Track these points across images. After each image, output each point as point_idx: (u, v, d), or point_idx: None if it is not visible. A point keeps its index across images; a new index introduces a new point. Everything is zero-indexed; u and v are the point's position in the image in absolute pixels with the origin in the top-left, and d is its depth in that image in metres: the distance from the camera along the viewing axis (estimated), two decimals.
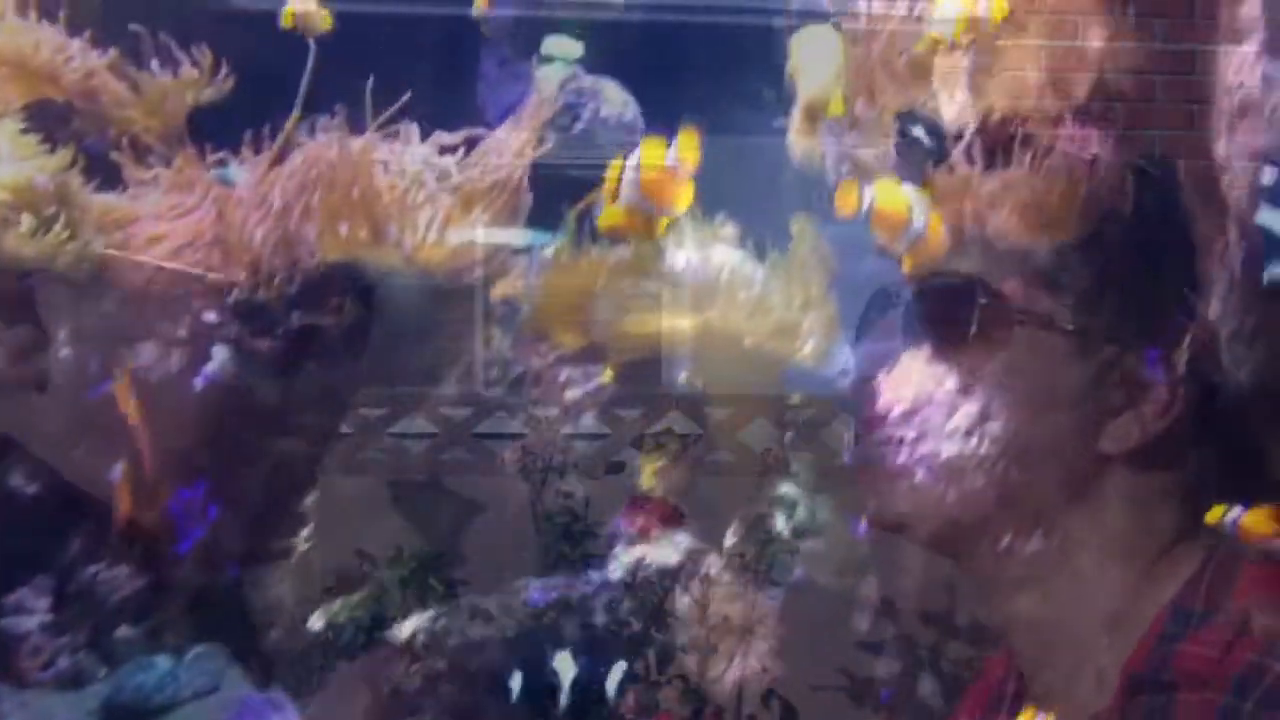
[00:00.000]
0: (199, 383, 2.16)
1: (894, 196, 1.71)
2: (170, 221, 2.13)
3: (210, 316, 2.10)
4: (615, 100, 4.06)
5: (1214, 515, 1.53)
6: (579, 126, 3.95)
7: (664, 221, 1.62)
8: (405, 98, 2.20)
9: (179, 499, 2.08)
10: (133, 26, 2.40)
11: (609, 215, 1.67)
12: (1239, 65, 1.62)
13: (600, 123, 3.98)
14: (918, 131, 1.98)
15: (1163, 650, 1.53)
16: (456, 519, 2.49)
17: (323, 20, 2.36)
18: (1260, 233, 1.56)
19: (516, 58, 3.93)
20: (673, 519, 2.25)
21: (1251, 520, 1.50)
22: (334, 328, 2.15)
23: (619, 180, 1.67)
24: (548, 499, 2.34)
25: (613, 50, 3.67)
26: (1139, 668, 1.53)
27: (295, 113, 2.20)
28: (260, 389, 2.16)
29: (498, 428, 2.82)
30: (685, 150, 1.66)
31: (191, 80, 2.43)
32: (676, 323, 2.30)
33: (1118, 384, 1.79)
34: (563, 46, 3.95)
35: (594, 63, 3.60)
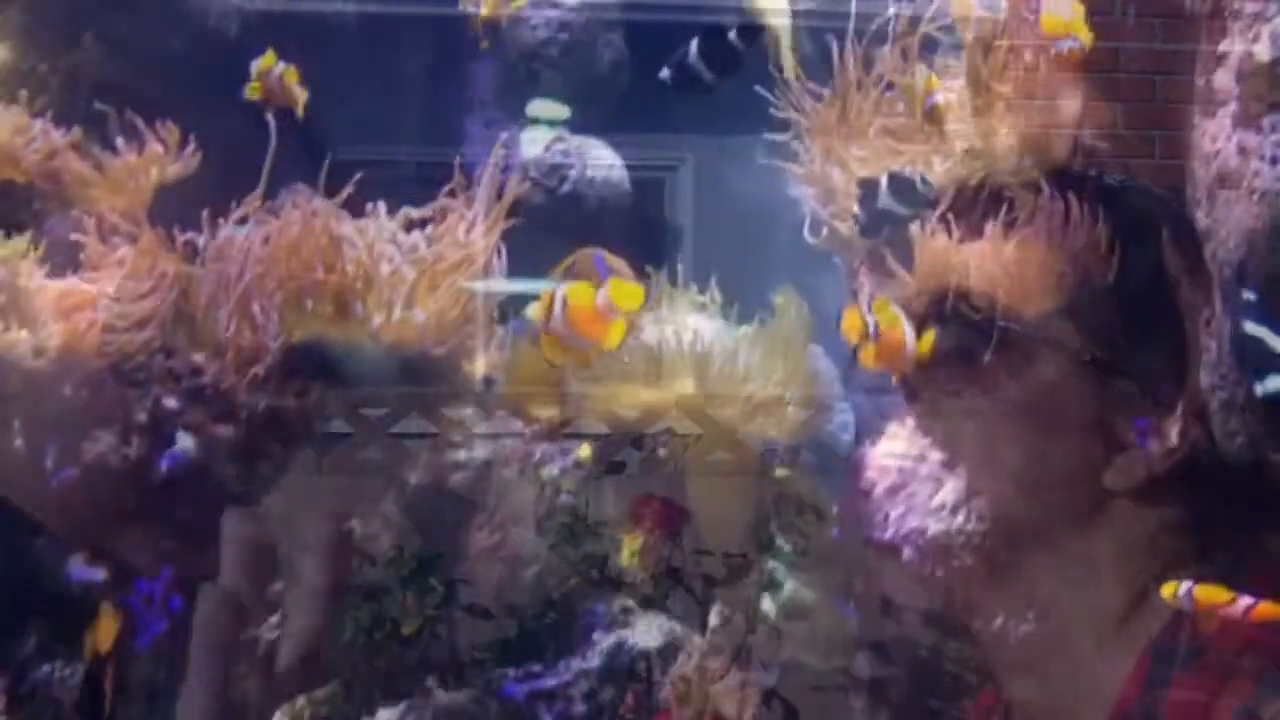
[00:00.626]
0: (162, 468, 2.10)
1: (894, 323, 1.74)
2: (131, 303, 2.07)
3: (171, 403, 2.03)
4: (603, 160, 4.05)
5: (1168, 590, 1.55)
6: (566, 187, 3.93)
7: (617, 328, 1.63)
8: (356, 177, 2.16)
9: (137, 591, 2.00)
10: (98, 105, 2.38)
11: (542, 341, 1.72)
12: (1215, 133, 1.57)
13: (587, 183, 3.97)
14: (885, 201, 1.94)
15: (1151, 696, 1.55)
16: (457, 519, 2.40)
17: (297, 92, 2.32)
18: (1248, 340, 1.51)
19: (503, 119, 3.93)
20: (676, 518, 2.18)
21: (1203, 592, 1.53)
22: (298, 411, 2.09)
23: (549, 308, 1.70)
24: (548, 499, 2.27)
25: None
26: (1126, 715, 1.53)
27: (260, 187, 2.15)
28: (224, 474, 2.09)
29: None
30: (620, 298, 1.69)
31: (157, 157, 2.39)
32: (653, 397, 2.24)
33: (1126, 422, 1.85)
34: (549, 109, 3.94)
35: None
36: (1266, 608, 1.49)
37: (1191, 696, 1.47)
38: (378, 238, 2.16)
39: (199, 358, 2.07)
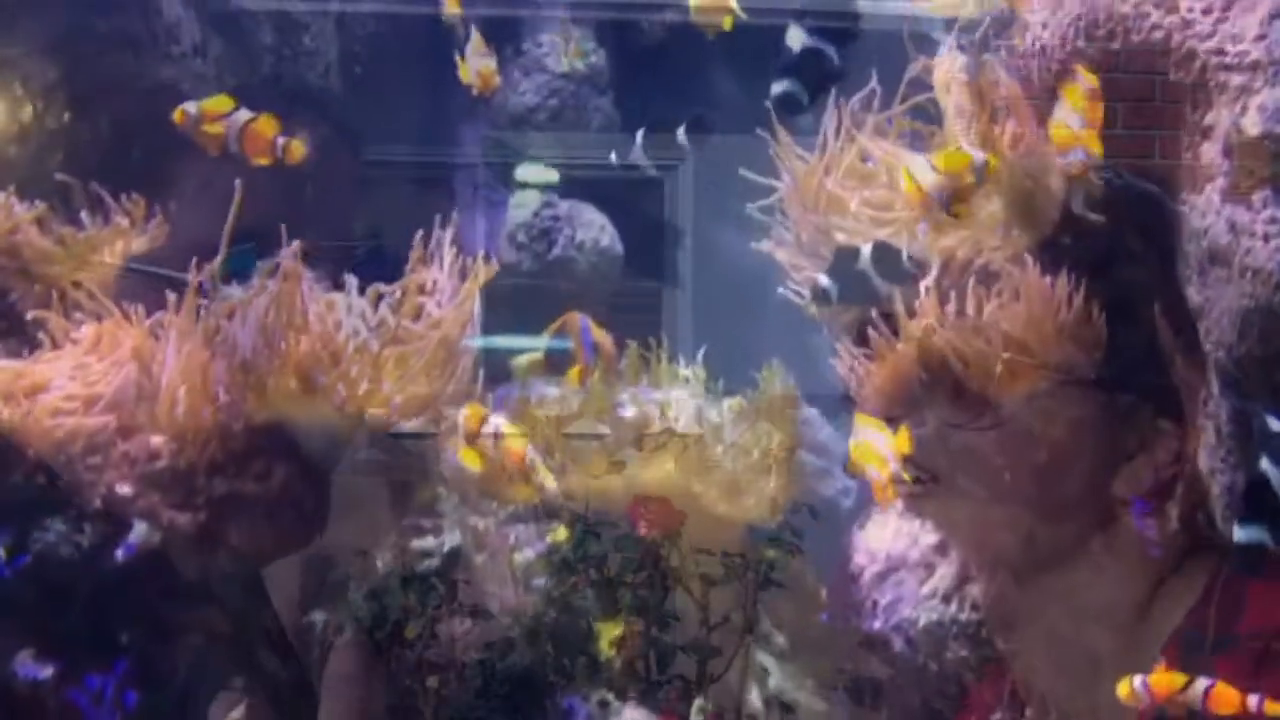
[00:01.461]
0: (118, 557, 2.01)
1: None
2: (85, 385, 2.00)
3: (124, 489, 1.95)
4: (592, 225, 4.01)
5: (1124, 690, 1.53)
6: (555, 252, 3.88)
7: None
8: (313, 245, 2.10)
9: (86, 687, 1.90)
10: (59, 176, 2.33)
11: (465, 453, 1.91)
12: (1204, 208, 1.50)
13: (576, 247, 3.92)
14: (866, 270, 1.87)
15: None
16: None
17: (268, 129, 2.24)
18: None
19: (492, 183, 3.89)
20: (674, 519, 2.10)
21: (1157, 680, 1.51)
22: (260, 495, 2.00)
23: (478, 426, 1.88)
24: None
25: None
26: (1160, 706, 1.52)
27: (220, 256, 2.08)
28: (181, 564, 2.00)
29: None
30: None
31: (122, 231, 2.34)
32: (630, 478, 2.15)
33: (1131, 431, 1.83)
34: (538, 173, 3.91)
35: None
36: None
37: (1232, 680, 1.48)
38: (345, 312, 2.09)
39: (157, 440, 1.99)
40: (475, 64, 2.64)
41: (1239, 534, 1.40)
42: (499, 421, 1.85)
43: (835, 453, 2.56)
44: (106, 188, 2.32)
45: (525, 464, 1.83)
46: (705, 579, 2.06)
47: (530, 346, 2.97)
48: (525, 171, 3.79)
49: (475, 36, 2.64)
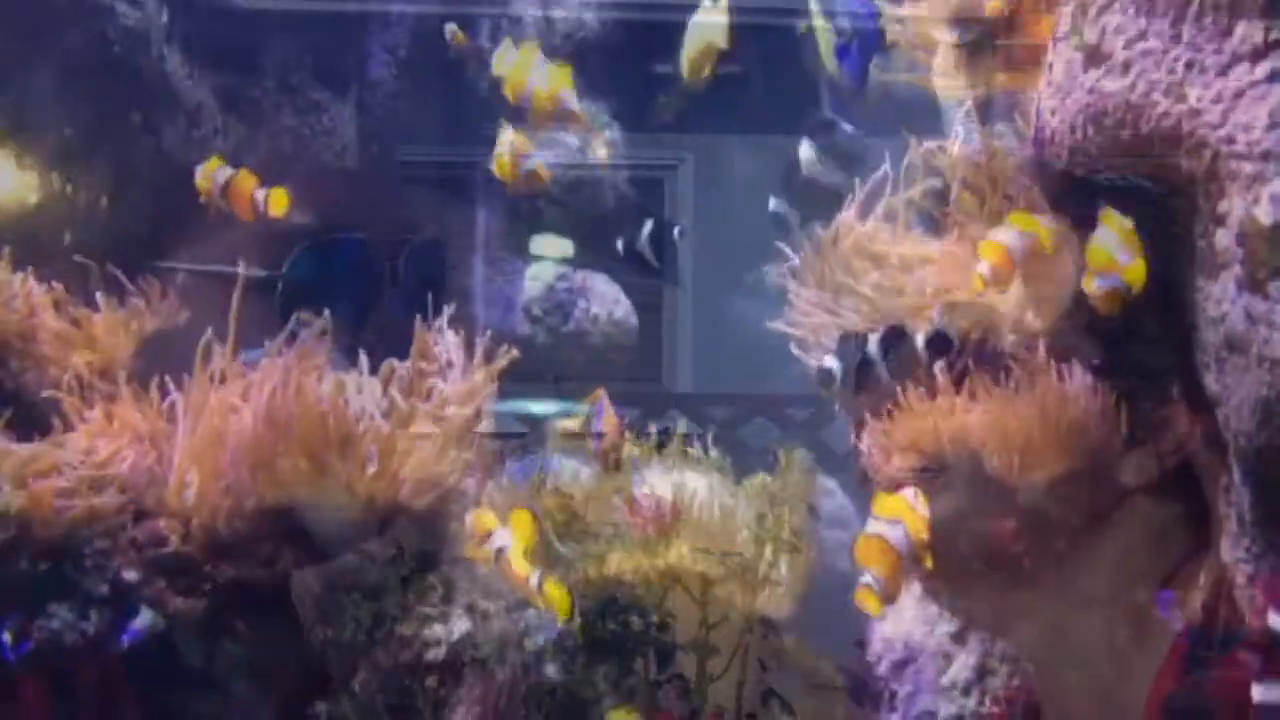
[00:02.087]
0: (123, 643, 1.98)
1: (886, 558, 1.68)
2: (94, 468, 1.99)
3: (131, 575, 1.93)
4: (606, 297, 4.02)
5: None
6: (570, 325, 3.89)
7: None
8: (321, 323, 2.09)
9: None
10: (78, 258, 2.35)
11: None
12: (1219, 296, 1.48)
13: (591, 320, 3.93)
14: (874, 355, 1.86)
15: (1194, 678, 1.57)
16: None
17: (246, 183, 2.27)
18: None
19: (508, 256, 3.92)
20: (670, 518, 2.09)
21: None
22: (267, 580, 1.98)
23: (483, 536, 1.84)
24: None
25: None
26: (1170, 695, 1.54)
27: (230, 343, 2.09)
28: (186, 650, 1.97)
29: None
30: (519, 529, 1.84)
31: (137, 312, 2.35)
32: (639, 563, 2.12)
33: (1137, 420, 1.80)
34: (553, 246, 3.93)
35: None
36: None
37: (1238, 676, 1.48)
38: (357, 392, 2.08)
39: (164, 524, 1.98)
40: (524, 164, 2.48)
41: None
42: (505, 537, 1.81)
43: (854, 524, 2.52)
44: (125, 270, 2.36)
45: (527, 586, 1.78)
46: (705, 579, 2.01)
47: (559, 411, 2.97)
48: (540, 244, 3.81)
49: (513, 134, 2.53)
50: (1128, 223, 1.62)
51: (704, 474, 2.32)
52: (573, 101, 2.32)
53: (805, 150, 1.85)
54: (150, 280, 2.37)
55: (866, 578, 1.62)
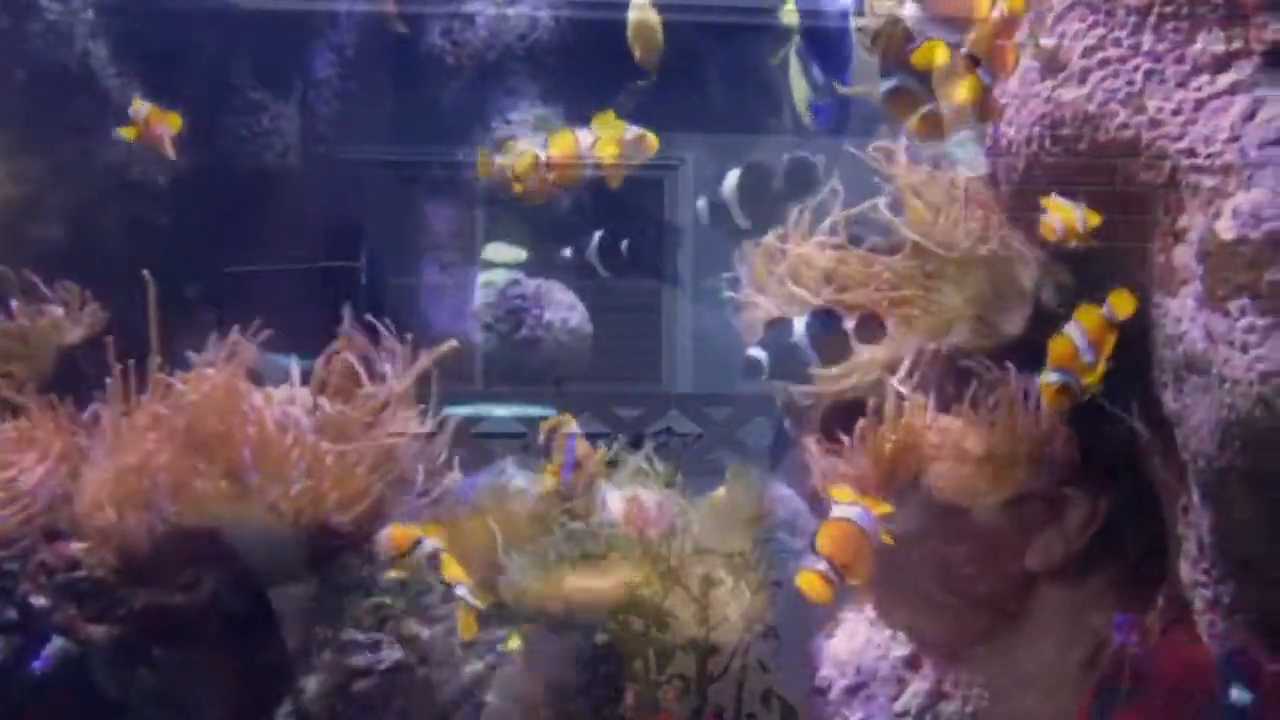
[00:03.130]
0: (34, 671, 1.87)
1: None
2: (6, 485, 1.88)
3: (40, 601, 1.82)
4: (561, 304, 3.94)
5: None
6: (523, 332, 3.80)
7: None
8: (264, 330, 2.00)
9: None
10: None
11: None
12: (1178, 314, 1.43)
13: (544, 327, 3.84)
14: (799, 341, 1.79)
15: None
16: None
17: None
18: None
19: (459, 262, 3.82)
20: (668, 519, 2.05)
21: None
22: (186, 605, 1.88)
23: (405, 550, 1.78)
24: None
25: None
26: None
27: (154, 352, 1.98)
28: (101, 679, 1.87)
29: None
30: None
31: (55, 320, 2.24)
32: (590, 584, 2.03)
33: (1037, 502, 1.76)
34: (505, 253, 3.84)
35: None
36: None
37: None
38: (288, 402, 1.98)
39: (77, 547, 1.87)
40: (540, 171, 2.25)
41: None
42: (434, 544, 1.73)
43: (810, 531, 2.46)
44: (46, 276, 2.25)
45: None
46: (705, 578, 1.95)
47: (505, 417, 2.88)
48: (493, 250, 3.73)
49: (524, 142, 2.35)
50: (1105, 318, 1.56)
51: (655, 490, 2.25)
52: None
53: (726, 187, 1.81)
54: (71, 288, 2.26)
55: (820, 564, 1.54)
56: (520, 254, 3.73)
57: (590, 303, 3.68)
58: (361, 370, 2.10)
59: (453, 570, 1.73)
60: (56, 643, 1.84)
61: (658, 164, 3.63)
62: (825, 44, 2.48)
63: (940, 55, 1.49)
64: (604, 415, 3.11)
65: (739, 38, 3.22)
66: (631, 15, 2.21)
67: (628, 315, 3.80)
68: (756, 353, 1.83)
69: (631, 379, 3.35)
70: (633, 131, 2.17)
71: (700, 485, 2.34)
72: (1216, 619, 1.63)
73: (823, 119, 2.25)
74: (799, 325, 1.81)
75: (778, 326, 1.84)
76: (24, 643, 1.85)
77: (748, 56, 3.19)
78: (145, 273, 1.98)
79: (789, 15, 2.66)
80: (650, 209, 3.55)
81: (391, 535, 1.75)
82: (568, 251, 2.06)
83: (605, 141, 2.17)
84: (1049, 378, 1.57)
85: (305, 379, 2.05)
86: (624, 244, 2.43)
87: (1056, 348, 1.57)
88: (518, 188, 2.17)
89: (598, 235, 2.72)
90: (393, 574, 1.82)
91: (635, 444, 2.25)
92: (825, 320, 1.80)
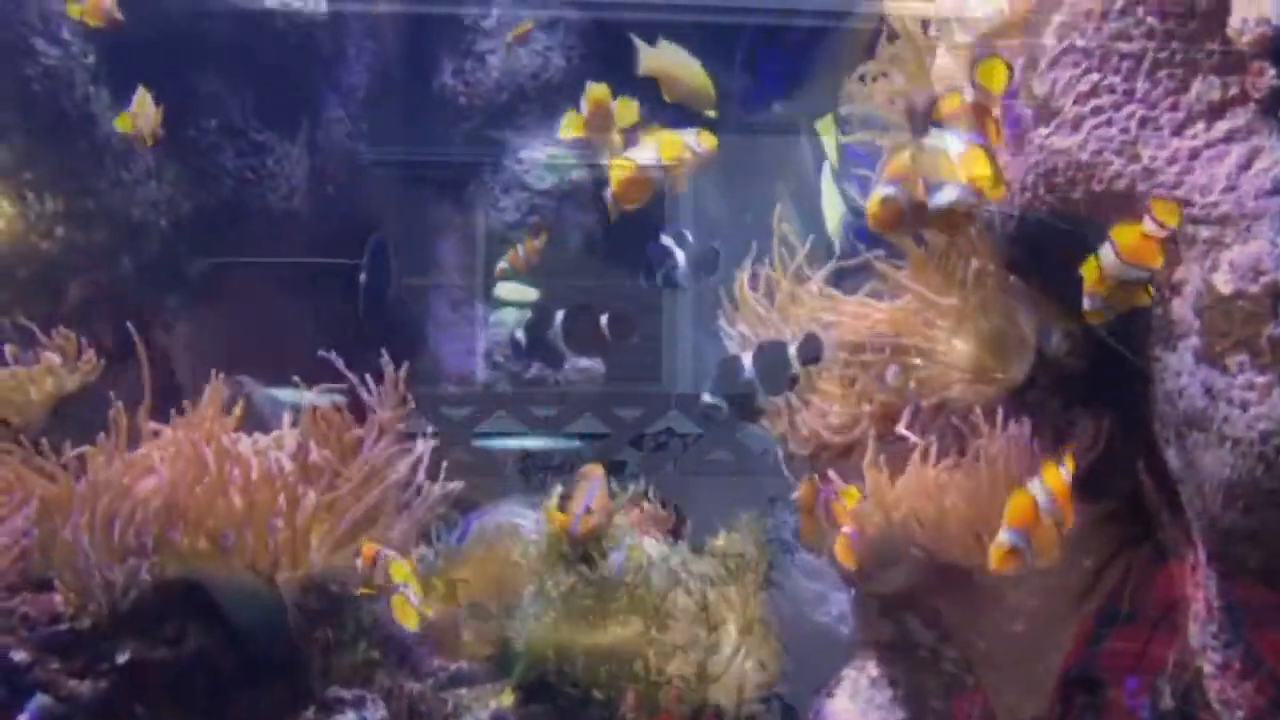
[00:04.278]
0: None
1: None
2: None
3: (21, 656, 1.79)
4: None
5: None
6: (533, 370, 3.78)
7: None
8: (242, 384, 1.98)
9: None
10: None
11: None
12: (1177, 368, 1.38)
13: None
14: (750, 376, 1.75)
15: (1092, 651, 1.68)
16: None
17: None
18: None
19: (471, 301, 3.81)
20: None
21: None
22: (171, 660, 1.84)
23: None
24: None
25: None
26: (1071, 670, 1.67)
27: (146, 398, 1.96)
28: None
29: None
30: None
31: (50, 368, 2.23)
32: (594, 637, 1.99)
33: (1045, 425, 1.70)
34: (517, 291, 3.83)
35: None
36: None
37: (1127, 646, 1.67)
38: (271, 456, 1.95)
39: (58, 599, 1.84)
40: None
41: None
42: (388, 553, 1.75)
43: (828, 574, 2.41)
44: (44, 323, 2.24)
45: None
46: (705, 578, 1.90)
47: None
48: (503, 289, 3.72)
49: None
50: (1067, 478, 1.46)
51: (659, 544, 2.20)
52: None
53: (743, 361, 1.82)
54: (69, 335, 2.25)
55: (1013, 536, 1.44)
56: (531, 293, 3.72)
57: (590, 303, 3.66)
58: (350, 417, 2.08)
59: (399, 572, 1.72)
60: (39, 699, 1.81)
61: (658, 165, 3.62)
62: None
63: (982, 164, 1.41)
64: (604, 415, 3.08)
65: (738, 38, 3.19)
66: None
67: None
68: (710, 398, 1.79)
69: (632, 379, 3.32)
70: (689, 133, 2.14)
71: (701, 485, 2.32)
72: (1226, 686, 1.56)
73: (862, 239, 2.20)
74: (746, 361, 1.78)
75: (728, 366, 1.81)
76: (6, 699, 1.82)
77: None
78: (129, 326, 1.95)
79: (825, 129, 2.62)
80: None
81: (361, 553, 1.74)
82: (520, 335, 2.09)
83: (669, 144, 2.13)
84: (1000, 537, 1.42)
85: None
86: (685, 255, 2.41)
87: (1015, 504, 1.44)
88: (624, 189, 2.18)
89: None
90: (364, 590, 1.78)
91: (635, 444, 2.22)
92: (768, 350, 1.77)
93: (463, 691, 2.08)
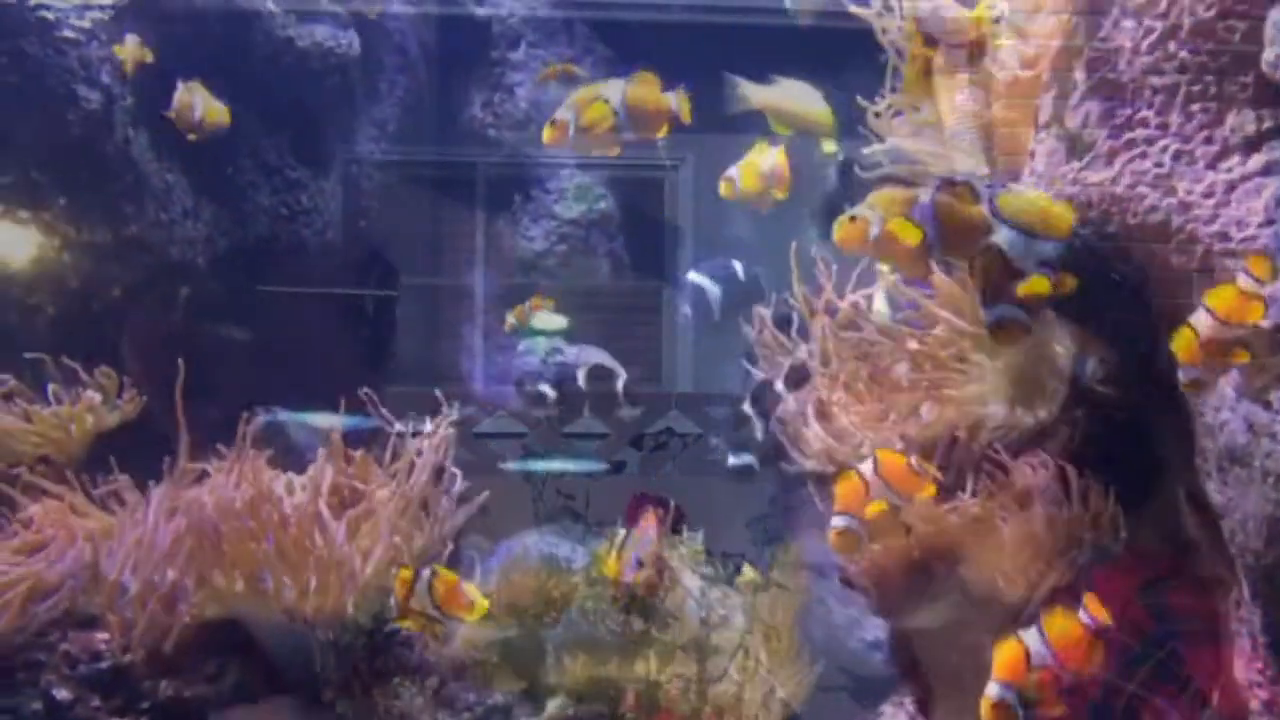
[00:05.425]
0: None
1: None
2: (32, 572, 1.88)
3: (63, 695, 1.81)
4: (602, 371, 3.93)
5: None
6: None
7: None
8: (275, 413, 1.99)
9: None
10: (28, 355, 2.27)
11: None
12: (1218, 403, 1.36)
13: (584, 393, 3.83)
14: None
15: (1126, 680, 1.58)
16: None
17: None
18: None
19: (502, 329, 3.84)
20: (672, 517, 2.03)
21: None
22: (211, 697, 1.86)
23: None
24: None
25: None
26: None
27: (183, 438, 1.98)
28: None
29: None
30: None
31: (92, 406, 2.26)
32: (635, 670, 1.99)
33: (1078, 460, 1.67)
34: (546, 320, 3.86)
35: None
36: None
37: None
38: (304, 496, 1.97)
39: (100, 637, 1.86)
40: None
41: None
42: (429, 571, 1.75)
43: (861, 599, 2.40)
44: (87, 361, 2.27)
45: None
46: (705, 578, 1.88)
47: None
48: (536, 318, 3.74)
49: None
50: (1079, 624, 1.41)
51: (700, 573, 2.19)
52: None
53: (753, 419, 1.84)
54: (109, 374, 2.28)
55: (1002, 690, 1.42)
56: (561, 321, 3.74)
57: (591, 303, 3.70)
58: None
59: (448, 577, 1.75)
60: None
61: (657, 164, 3.65)
62: None
63: (1042, 286, 1.40)
64: (604, 415, 3.08)
65: (739, 37, 3.20)
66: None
67: (628, 315, 3.79)
68: (737, 461, 1.81)
69: (632, 379, 3.34)
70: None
71: (700, 485, 2.30)
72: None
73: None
74: (747, 405, 1.79)
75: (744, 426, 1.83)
76: None
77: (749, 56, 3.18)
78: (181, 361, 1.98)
79: (829, 146, 2.66)
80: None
81: (398, 577, 1.75)
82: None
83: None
84: (990, 690, 1.36)
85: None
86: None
87: (1005, 654, 1.37)
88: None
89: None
90: (404, 623, 1.79)
91: (635, 444, 2.22)
92: (764, 387, 1.78)
93: None
